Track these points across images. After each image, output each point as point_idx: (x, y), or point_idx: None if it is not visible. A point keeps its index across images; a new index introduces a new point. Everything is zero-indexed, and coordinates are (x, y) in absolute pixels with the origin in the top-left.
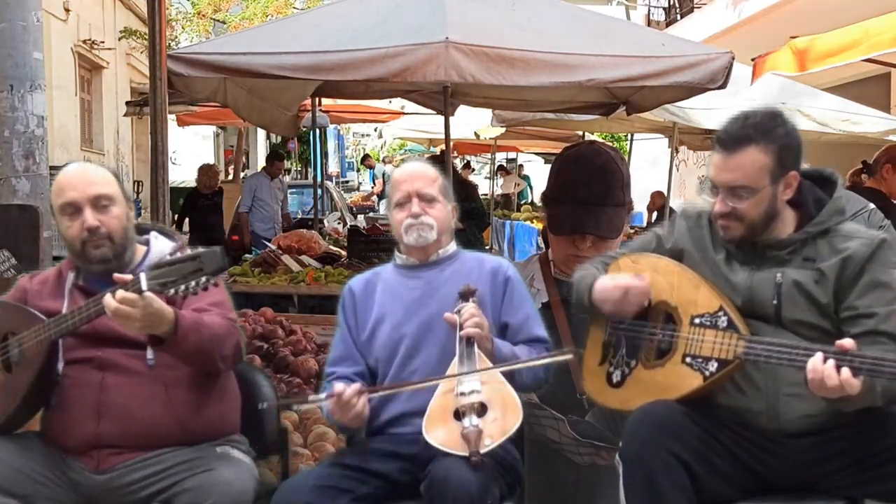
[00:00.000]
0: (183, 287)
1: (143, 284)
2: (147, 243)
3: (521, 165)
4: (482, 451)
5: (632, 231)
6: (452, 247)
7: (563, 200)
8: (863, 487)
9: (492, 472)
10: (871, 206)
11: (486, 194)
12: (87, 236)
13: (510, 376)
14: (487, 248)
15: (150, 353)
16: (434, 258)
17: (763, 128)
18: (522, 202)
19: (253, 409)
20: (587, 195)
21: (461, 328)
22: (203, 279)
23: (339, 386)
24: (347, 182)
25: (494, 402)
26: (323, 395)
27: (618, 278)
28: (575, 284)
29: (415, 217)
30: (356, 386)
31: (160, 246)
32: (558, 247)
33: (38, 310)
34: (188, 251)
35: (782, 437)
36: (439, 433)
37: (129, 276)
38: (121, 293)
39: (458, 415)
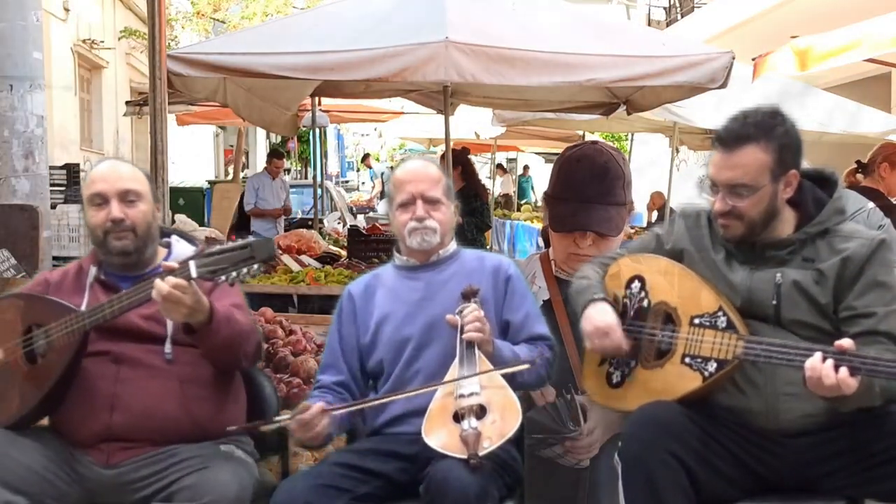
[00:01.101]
0: (234, 274)
1: (193, 272)
2: (168, 246)
3: (526, 166)
4: (481, 453)
5: (632, 231)
6: (453, 246)
7: (565, 199)
8: (863, 487)
9: (490, 473)
10: (871, 204)
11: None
12: (111, 226)
13: (511, 376)
14: (488, 248)
15: (167, 348)
16: (435, 258)
17: (763, 126)
18: (524, 202)
19: (253, 409)
20: (589, 193)
21: (462, 331)
22: (255, 266)
23: (301, 406)
24: (347, 182)
25: (494, 404)
26: (287, 416)
27: (607, 319)
28: (573, 293)
29: (419, 221)
30: (319, 405)
31: (181, 249)
32: (559, 245)
33: None
34: (238, 241)
35: (782, 436)
36: (438, 435)
37: (175, 264)
38: (172, 279)
39: (458, 417)
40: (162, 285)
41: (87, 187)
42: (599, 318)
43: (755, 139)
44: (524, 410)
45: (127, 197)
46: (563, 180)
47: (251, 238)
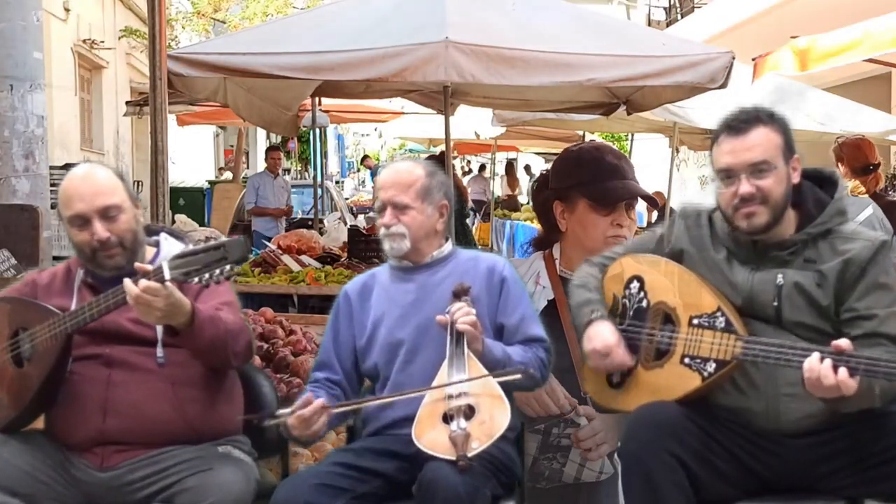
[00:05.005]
0: (207, 276)
1: (167, 274)
2: (157, 245)
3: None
4: (469, 454)
5: None
6: (448, 247)
7: (600, 179)
8: (863, 487)
9: (482, 473)
10: (870, 209)
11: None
12: (98, 246)
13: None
14: (487, 247)
15: (160, 352)
16: (428, 260)
17: (766, 112)
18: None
19: (252, 409)
20: (623, 172)
21: (452, 330)
22: (227, 267)
23: (302, 401)
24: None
25: (483, 404)
26: (288, 411)
27: (606, 340)
28: (573, 306)
29: (386, 227)
30: (320, 401)
31: (170, 247)
32: (596, 230)
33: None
34: (212, 241)
35: (782, 436)
36: (428, 436)
37: (149, 266)
38: (143, 282)
39: (447, 418)
40: (132, 287)
41: (64, 206)
42: (599, 339)
43: (764, 122)
44: (521, 429)
45: (108, 213)
46: (589, 166)
47: (224, 238)
